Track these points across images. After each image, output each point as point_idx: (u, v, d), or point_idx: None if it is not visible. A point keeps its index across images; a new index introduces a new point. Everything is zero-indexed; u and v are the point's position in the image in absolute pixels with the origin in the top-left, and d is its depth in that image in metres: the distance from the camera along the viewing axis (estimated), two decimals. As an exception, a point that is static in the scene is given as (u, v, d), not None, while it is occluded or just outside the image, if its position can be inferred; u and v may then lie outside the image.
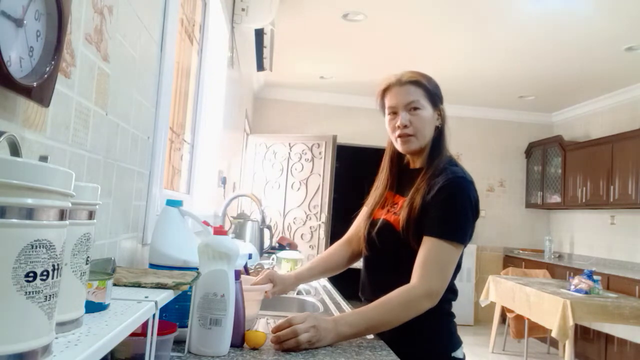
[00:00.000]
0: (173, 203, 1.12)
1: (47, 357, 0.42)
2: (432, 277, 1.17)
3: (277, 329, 1.05)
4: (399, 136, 1.31)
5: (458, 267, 1.29)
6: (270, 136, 5.68)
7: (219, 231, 1.01)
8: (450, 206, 1.22)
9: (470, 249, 6.06)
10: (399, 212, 1.29)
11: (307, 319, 1.07)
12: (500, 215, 6.42)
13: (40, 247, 0.40)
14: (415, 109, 1.29)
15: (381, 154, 1.47)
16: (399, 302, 1.15)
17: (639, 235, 4.90)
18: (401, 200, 1.33)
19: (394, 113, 1.32)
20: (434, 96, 1.32)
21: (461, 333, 1.32)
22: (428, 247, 1.19)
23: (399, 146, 1.34)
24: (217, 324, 0.95)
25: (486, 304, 4.76)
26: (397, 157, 1.42)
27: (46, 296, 0.41)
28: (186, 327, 0.97)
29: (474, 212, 1.25)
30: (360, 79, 5.45)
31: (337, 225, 5.03)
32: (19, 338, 0.39)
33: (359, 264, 1.47)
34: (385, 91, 1.34)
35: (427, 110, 1.30)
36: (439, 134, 1.34)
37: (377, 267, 1.36)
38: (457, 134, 5.49)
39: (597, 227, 5.50)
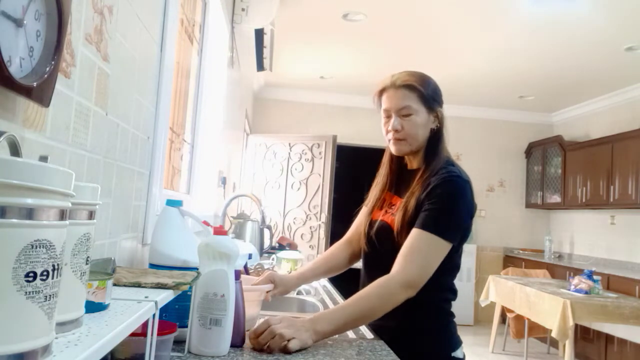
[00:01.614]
0: (173, 203, 1.12)
1: (47, 357, 0.42)
2: (411, 267, 1.17)
3: (255, 334, 1.02)
4: (391, 139, 1.33)
5: (457, 267, 1.29)
6: (270, 136, 5.67)
7: (219, 231, 1.01)
8: (442, 202, 1.21)
9: (470, 249, 6.06)
10: (395, 214, 1.30)
11: (282, 320, 1.05)
12: (500, 215, 6.42)
13: (40, 247, 0.40)
14: (408, 114, 1.29)
15: (381, 154, 1.48)
16: (376, 295, 1.15)
17: (639, 235, 4.90)
18: (398, 201, 1.34)
19: (388, 117, 1.33)
20: (429, 99, 1.30)
21: (461, 333, 1.32)
22: (413, 238, 1.20)
23: (391, 147, 1.36)
24: (217, 324, 0.95)
25: (486, 304, 4.76)
26: (396, 156, 1.42)
27: (46, 296, 0.41)
28: (186, 327, 0.97)
29: (469, 211, 1.24)
30: (360, 79, 5.45)
31: (337, 225, 5.02)
32: (19, 338, 0.39)
33: (359, 264, 1.47)
34: (381, 92, 1.35)
35: (420, 115, 1.30)
36: (435, 135, 1.33)
37: (376, 266, 1.36)
38: (457, 134, 5.50)
39: (597, 227, 5.49)
